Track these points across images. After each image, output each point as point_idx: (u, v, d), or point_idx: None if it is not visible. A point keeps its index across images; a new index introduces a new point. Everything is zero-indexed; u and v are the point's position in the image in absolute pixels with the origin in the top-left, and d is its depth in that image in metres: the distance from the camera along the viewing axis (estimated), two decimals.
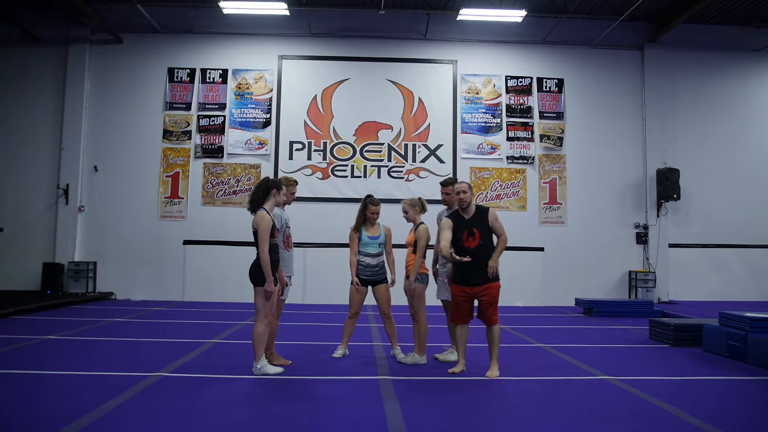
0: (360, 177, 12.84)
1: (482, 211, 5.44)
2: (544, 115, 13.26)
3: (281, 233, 5.50)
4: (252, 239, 5.15)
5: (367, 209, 5.97)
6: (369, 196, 6.07)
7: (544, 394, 4.79)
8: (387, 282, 6.06)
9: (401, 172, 12.94)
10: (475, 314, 5.45)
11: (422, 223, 5.95)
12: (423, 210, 6.05)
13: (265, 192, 5.23)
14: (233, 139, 12.88)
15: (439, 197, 6.09)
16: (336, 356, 6.07)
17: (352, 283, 5.97)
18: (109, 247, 12.60)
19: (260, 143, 12.89)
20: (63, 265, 12.28)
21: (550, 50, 13.38)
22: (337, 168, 12.89)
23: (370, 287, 6.03)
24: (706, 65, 13.56)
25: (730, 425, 3.94)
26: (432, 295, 6.02)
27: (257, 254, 5.08)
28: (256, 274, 5.11)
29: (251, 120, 12.96)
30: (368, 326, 8.56)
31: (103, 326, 8.29)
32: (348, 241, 6.08)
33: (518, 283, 11.78)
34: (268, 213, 5.16)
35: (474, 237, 5.33)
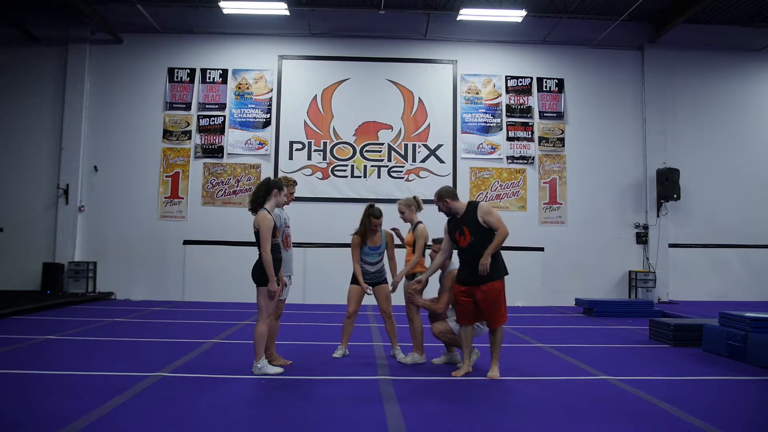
0: (360, 177, 12.84)
1: (472, 208, 5.27)
2: (544, 115, 13.26)
3: (281, 233, 5.49)
4: (253, 239, 5.15)
5: (370, 222, 5.90)
6: (371, 206, 5.98)
7: (544, 394, 4.79)
8: (386, 282, 6.07)
9: (401, 172, 12.93)
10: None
11: (420, 222, 5.94)
12: (419, 209, 6.03)
13: (266, 192, 5.22)
14: (233, 139, 12.88)
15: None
16: (336, 356, 6.07)
17: (363, 287, 5.96)
18: (109, 247, 12.60)
19: (260, 143, 12.89)
20: (63, 265, 12.28)
21: (550, 50, 13.38)
22: (337, 168, 12.89)
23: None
24: (706, 65, 13.57)
25: (730, 425, 3.94)
26: (429, 294, 6.00)
27: (260, 254, 5.08)
28: (259, 274, 5.11)
29: (251, 120, 12.96)
30: (368, 326, 8.56)
31: (103, 326, 8.29)
32: (349, 242, 6.05)
33: (518, 283, 11.71)
34: (270, 213, 5.15)
35: (465, 235, 5.22)
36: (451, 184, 12.70)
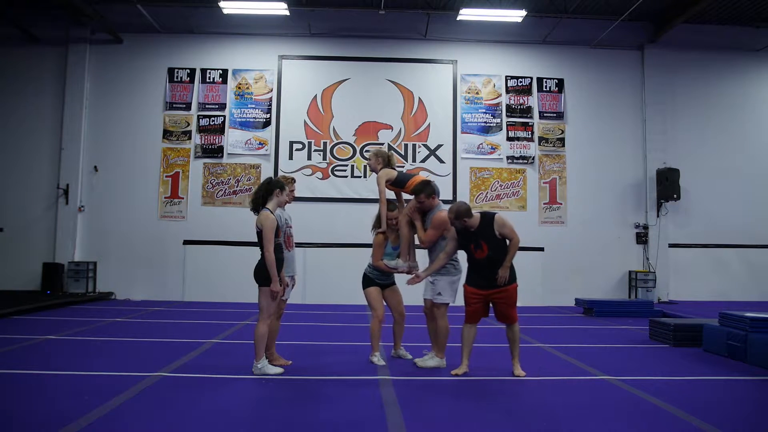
0: (360, 177, 12.82)
1: (487, 221, 5.26)
2: (544, 115, 13.26)
3: (283, 233, 5.47)
4: (254, 239, 5.14)
5: (386, 218, 5.77)
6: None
7: (544, 394, 4.79)
8: (396, 283, 5.98)
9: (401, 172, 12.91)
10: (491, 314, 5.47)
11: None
12: (388, 164, 5.93)
13: (267, 192, 5.21)
14: (233, 139, 12.88)
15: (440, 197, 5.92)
16: (378, 363, 5.73)
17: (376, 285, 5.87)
18: (109, 247, 12.59)
19: (260, 143, 12.89)
20: (63, 265, 12.27)
21: (550, 50, 13.38)
22: (337, 168, 12.88)
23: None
24: (706, 65, 13.57)
25: (730, 425, 3.94)
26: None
27: (262, 254, 5.07)
28: (262, 275, 5.11)
29: (251, 120, 12.96)
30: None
31: (103, 326, 8.29)
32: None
33: (518, 283, 11.75)
34: (272, 213, 5.14)
35: (482, 249, 5.28)
36: (451, 184, 12.73)
